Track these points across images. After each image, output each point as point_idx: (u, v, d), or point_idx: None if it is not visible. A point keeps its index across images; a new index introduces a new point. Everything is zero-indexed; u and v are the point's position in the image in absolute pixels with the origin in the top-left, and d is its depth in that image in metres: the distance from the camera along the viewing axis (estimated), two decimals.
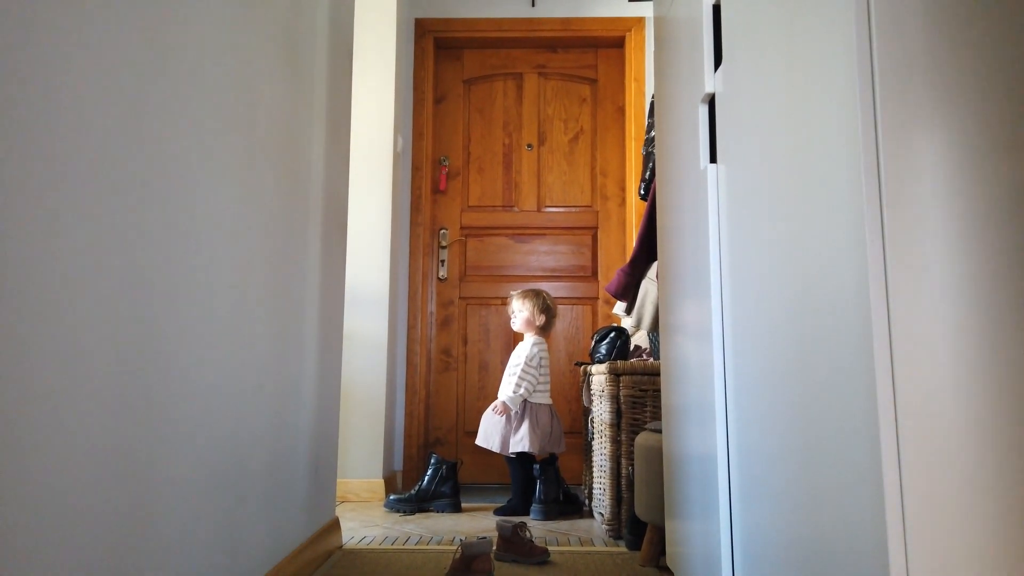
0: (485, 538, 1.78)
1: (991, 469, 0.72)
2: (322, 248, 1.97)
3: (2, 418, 0.69)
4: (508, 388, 2.77)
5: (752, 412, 1.12)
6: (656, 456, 1.82)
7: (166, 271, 1.02)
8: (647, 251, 2.47)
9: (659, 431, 1.89)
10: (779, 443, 1.00)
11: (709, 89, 1.32)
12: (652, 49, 3.61)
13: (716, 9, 1.33)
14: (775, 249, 1.01)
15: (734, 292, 1.21)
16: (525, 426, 2.72)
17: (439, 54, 3.71)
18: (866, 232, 0.75)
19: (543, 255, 3.63)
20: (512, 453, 2.73)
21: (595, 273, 3.62)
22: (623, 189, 3.64)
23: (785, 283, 0.97)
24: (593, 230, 3.64)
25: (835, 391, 0.82)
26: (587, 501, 2.80)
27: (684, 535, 1.50)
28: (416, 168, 3.55)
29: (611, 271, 3.58)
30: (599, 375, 2.48)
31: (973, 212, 0.75)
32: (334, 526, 2.09)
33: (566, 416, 3.43)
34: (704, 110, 1.36)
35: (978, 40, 0.77)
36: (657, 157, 1.78)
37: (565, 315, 3.58)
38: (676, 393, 1.59)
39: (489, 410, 2.81)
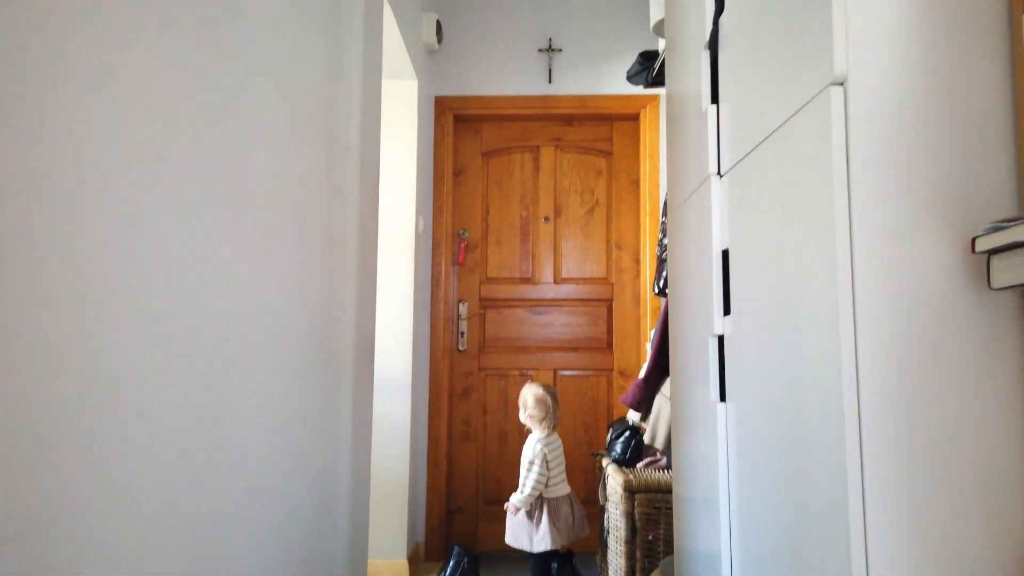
0: None
1: None
2: (356, 338, 2.06)
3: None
4: (519, 489, 2.87)
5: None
6: None
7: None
8: (660, 366, 2.57)
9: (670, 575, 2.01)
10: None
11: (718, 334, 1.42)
12: (665, 125, 3.68)
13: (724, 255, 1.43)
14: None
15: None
16: (544, 524, 2.83)
17: (458, 127, 3.80)
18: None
19: (560, 327, 3.74)
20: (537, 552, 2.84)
21: (610, 345, 3.72)
22: (637, 262, 3.73)
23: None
24: (608, 302, 3.74)
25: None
26: None
27: None
28: (436, 244, 3.66)
29: (626, 343, 3.68)
30: (615, 482, 2.60)
31: None
32: None
33: (582, 488, 3.55)
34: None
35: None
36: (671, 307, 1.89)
37: (581, 386, 3.70)
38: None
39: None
